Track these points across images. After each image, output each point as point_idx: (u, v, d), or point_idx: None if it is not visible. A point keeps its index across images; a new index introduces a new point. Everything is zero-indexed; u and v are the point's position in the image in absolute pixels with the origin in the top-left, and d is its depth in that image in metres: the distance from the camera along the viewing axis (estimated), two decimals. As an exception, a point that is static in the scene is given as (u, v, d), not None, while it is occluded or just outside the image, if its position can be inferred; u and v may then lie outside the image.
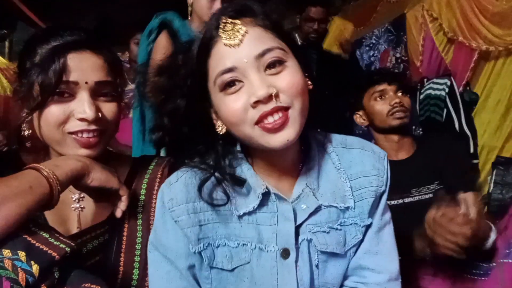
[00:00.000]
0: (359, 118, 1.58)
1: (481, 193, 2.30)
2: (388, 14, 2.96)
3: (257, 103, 0.64)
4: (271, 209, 0.74)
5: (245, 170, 0.75)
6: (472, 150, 2.48)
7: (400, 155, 1.49)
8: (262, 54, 0.66)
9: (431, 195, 1.39)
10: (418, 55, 2.73)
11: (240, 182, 0.73)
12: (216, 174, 0.73)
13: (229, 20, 0.67)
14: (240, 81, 0.66)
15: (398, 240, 0.82)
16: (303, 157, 0.78)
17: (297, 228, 0.74)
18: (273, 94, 0.64)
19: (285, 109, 0.66)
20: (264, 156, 0.74)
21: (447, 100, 2.54)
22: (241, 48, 0.66)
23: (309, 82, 0.73)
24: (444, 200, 1.00)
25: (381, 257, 0.77)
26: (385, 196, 0.79)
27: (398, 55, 2.96)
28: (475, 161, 2.48)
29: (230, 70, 0.66)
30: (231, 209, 0.73)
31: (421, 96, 2.67)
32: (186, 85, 0.73)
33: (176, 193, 0.73)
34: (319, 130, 0.81)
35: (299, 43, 2.50)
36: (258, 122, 0.65)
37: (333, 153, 0.79)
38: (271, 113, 0.64)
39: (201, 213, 0.73)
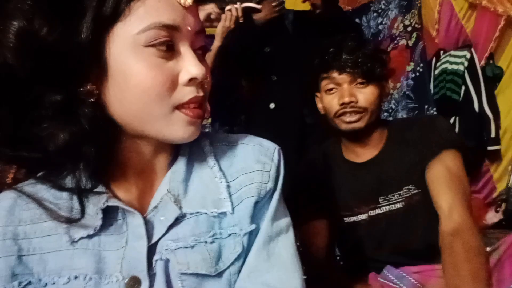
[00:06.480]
0: (319, 102, 1.20)
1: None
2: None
3: (192, 81, 0.54)
4: (120, 229, 0.58)
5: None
6: (493, 134, 2.16)
7: (364, 155, 1.16)
8: (199, 32, 0.56)
9: (402, 204, 1.09)
10: (434, 23, 2.35)
11: (83, 192, 0.56)
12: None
13: None
14: (172, 46, 0.54)
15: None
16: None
17: (154, 248, 0.58)
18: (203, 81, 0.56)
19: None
20: (128, 158, 0.59)
21: (466, 75, 2.21)
22: (189, 11, 0.54)
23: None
24: None
25: (273, 277, 0.60)
26: (276, 196, 0.64)
27: (407, 22, 2.53)
28: (496, 147, 2.17)
29: (172, 27, 0.52)
30: (68, 232, 0.56)
31: (436, 71, 2.35)
32: None
33: None
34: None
35: None
36: (179, 107, 0.55)
37: (208, 148, 0.64)
38: (200, 101, 0.56)
39: (25, 240, 0.56)
